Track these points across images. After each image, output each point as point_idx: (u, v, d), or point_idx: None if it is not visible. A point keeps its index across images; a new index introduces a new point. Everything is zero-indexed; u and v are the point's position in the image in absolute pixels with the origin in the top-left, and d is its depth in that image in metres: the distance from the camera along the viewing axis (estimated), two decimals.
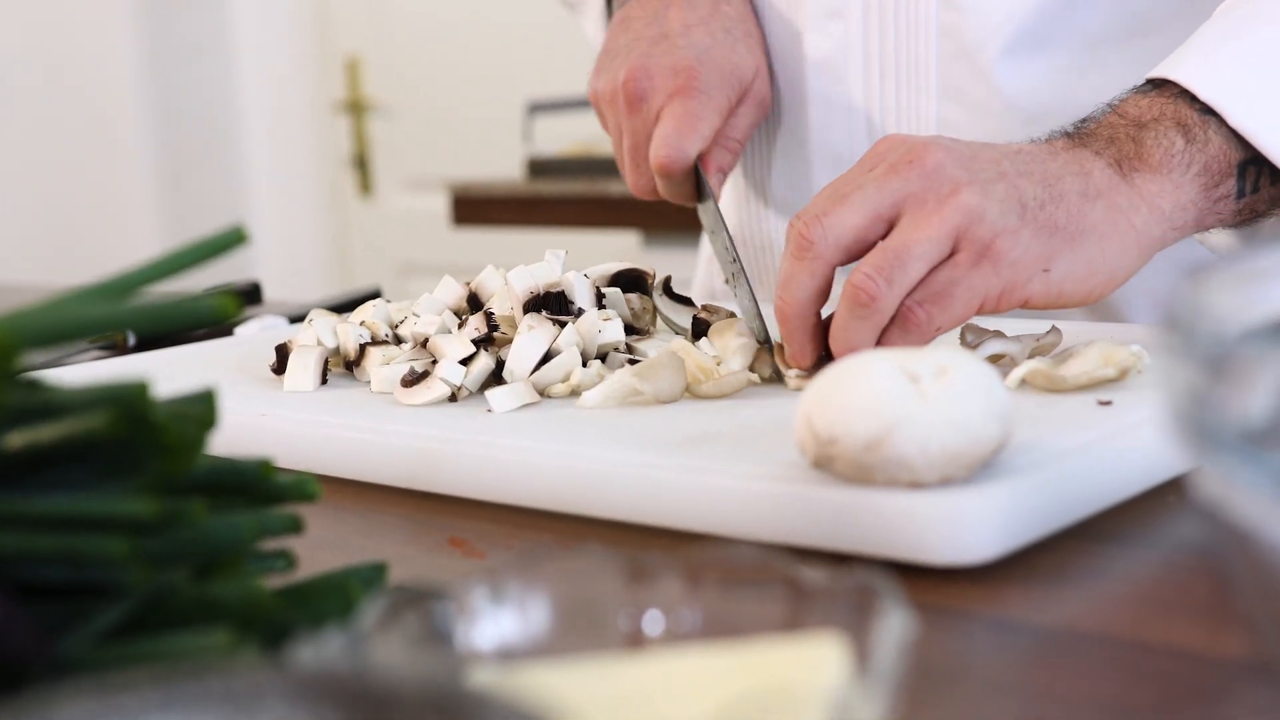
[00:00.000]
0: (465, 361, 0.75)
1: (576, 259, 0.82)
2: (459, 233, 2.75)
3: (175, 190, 3.43)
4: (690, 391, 0.73)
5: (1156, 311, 0.98)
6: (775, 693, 0.33)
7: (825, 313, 0.73)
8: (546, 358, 0.75)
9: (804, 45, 1.00)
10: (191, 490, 0.43)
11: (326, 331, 0.83)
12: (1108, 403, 0.66)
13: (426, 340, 0.78)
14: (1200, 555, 0.54)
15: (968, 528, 0.53)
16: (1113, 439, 0.60)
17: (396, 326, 0.83)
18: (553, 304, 0.78)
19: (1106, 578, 0.54)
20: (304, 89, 3.61)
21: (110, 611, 0.40)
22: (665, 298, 0.84)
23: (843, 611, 0.38)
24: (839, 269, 0.71)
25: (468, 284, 0.84)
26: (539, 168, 2.53)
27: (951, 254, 0.69)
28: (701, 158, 0.91)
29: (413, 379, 0.75)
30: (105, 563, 0.39)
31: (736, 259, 0.83)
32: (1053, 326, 0.77)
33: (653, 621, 0.41)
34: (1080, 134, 0.76)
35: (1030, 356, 0.74)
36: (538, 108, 2.68)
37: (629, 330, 0.81)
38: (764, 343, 0.76)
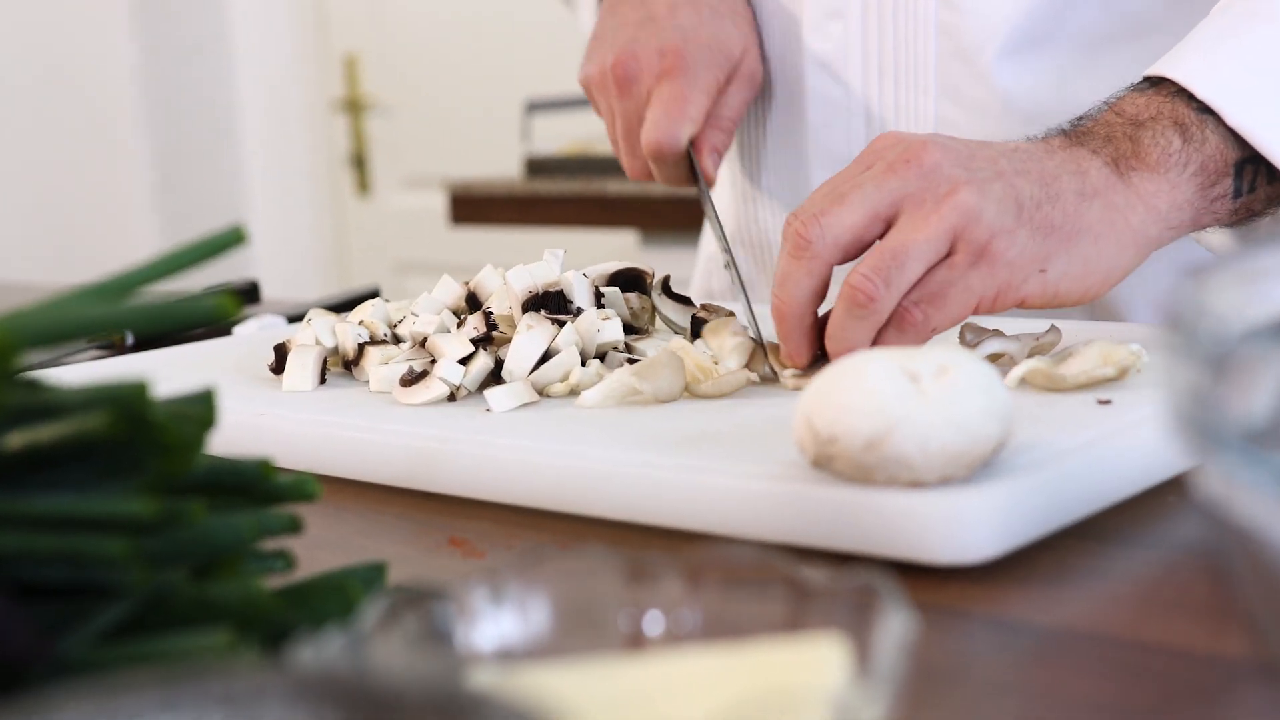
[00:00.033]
0: (464, 361, 0.75)
1: (574, 258, 0.82)
2: (457, 232, 2.75)
3: (173, 189, 3.43)
4: (689, 391, 0.73)
5: (1157, 311, 0.98)
6: (776, 694, 0.33)
7: (821, 311, 0.73)
8: (545, 357, 0.75)
9: (803, 45, 1.00)
10: (191, 490, 0.43)
11: (325, 331, 0.83)
12: (1107, 402, 0.66)
13: (425, 340, 0.78)
14: (1201, 555, 0.54)
15: (967, 527, 0.52)
16: (1112, 438, 0.60)
17: (395, 326, 0.83)
18: (551, 303, 0.78)
19: (1107, 577, 0.54)
20: (302, 88, 3.61)
21: (110, 612, 0.40)
22: (664, 297, 0.84)
23: (844, 612, 0.38)
24: (836, 267, 0.72)
25: (466, 283, 0.84)
26: (537, 167, 2.53)
27: (949, 254, 0.69)
28: (695, 140, 0.91)
29: (411, 378, 0.75)
30: (105, 563, 0.39)
31: (728, 249, 0.83)
32: (1052, 325, 0.77)
33: (653, 622, 0.41)
34: (1077, 132, 0.76)
35: (1029, 355, 0.74)
36: (536, 107, 2.68)
37: (628, 330, 0.81)
38: (756, 340, 0.76)
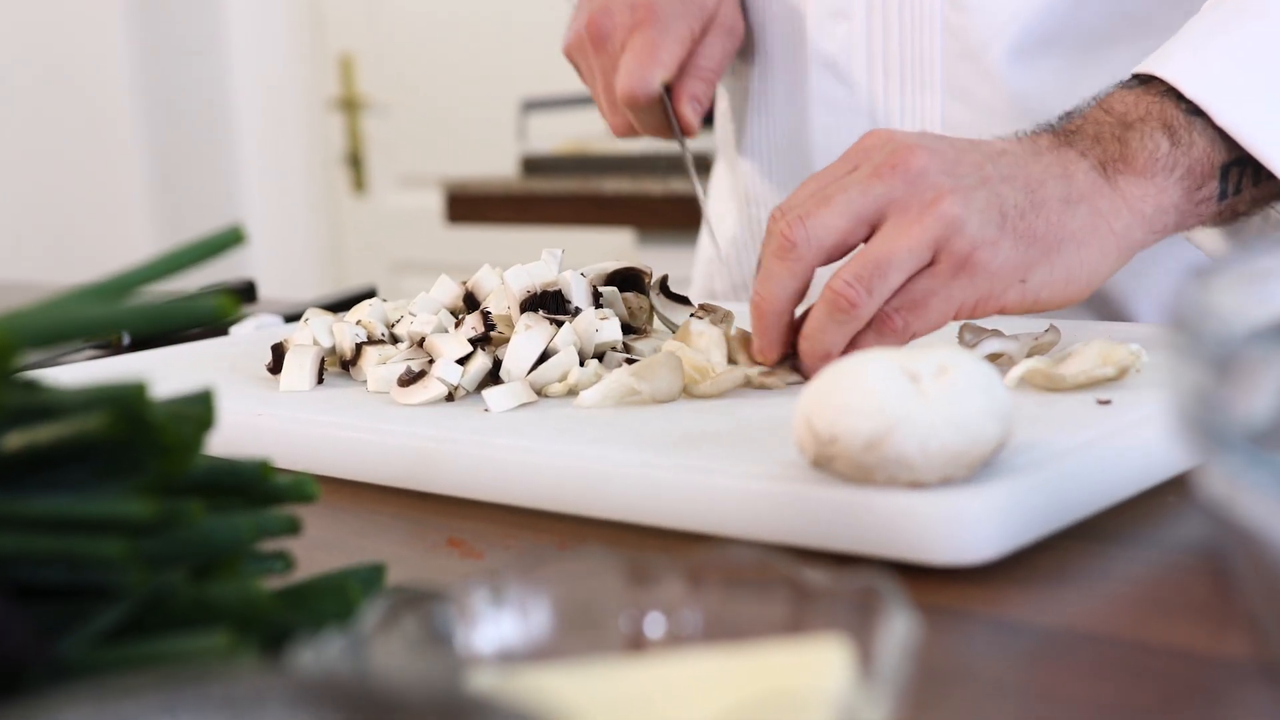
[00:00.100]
0: (462, 361, 0.75)
1: (571, 257, 0.82)
2: (453, 231, 2.75)
3: (169, 188, 3.43)
4: (687, 391, 0.73)
5: (1160, 311, 0.97)
6: (779, 696, 0.33)
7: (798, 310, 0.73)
8: (543, 357, 0.75)
9: (808, 45, 1.00)
10: (189, 491, 0.43)
11: (322, 331, 0.82)
12: (1107, 402, 0.65)
13: (423, 339, 0.78)
14: (1201, 555, 0.54)
15: (968, 527, 0.52)
16: (1112, 438, 0.60)
17: (393, 326, 0.83)
18: (550, 303, 0.78)
19: (1107, 578, 0.54)
20: (298, 87, 3.61)
21: (108, 613, 0.40)
22: (662, 297, 0.84)
23: (846, 613, 0.38)
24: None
25: (464, 283, 0.83)
26: (533, 166, 2.53)
27: (931, 262, 0.70)
28: (673, 89, 0.91)
29: (409, 378, 0.75)
30: (103, 564, 0.39)
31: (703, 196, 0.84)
32: (1051, 325, 0.77)
33: (654, 624, 0.41)
34: (1066, 130, 0.76)
35: (1028, 355, 0.74)
36: (532, 105, 2.68)
37: (626, 329, 0.81)
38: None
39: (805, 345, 0.71)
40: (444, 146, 3.40)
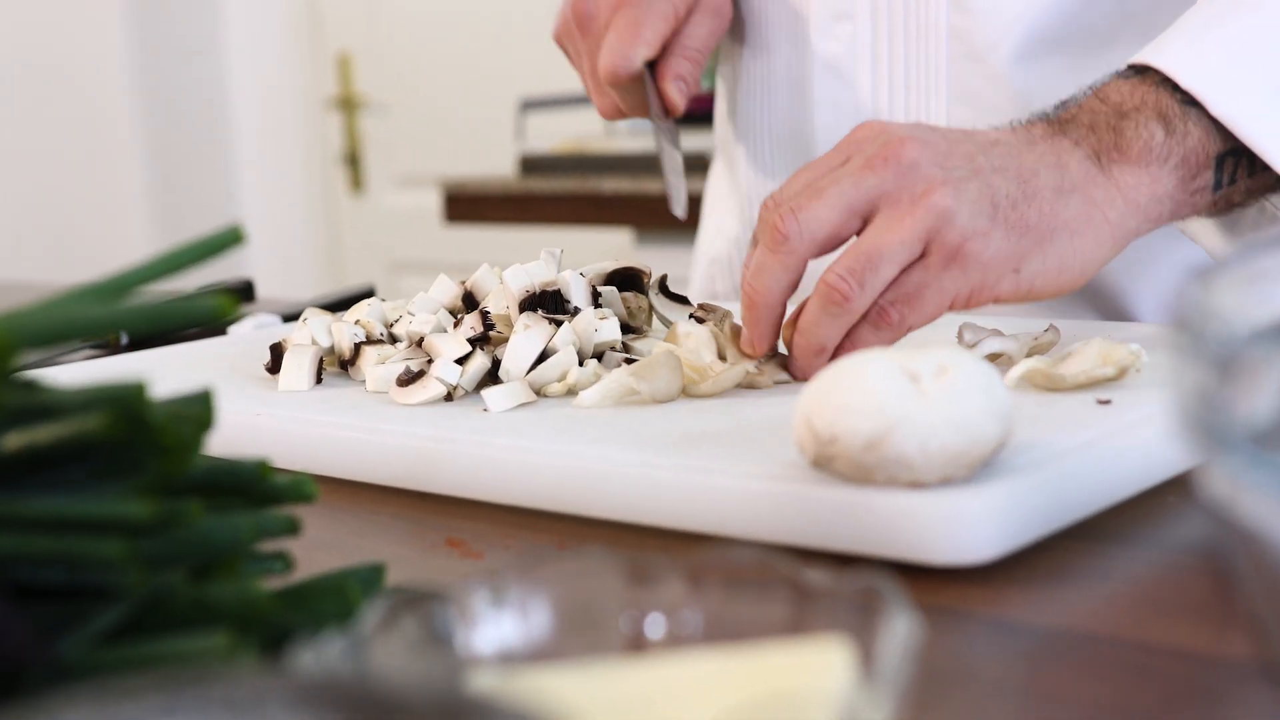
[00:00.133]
0: (461, 361, 0.75)
1: (569, 257, 0.82)
2: (451, 230, 2.75)
3: (167, 186, 3.43)
4: (687, 391, 0.72)
5: (1162, 311, 0.97)
6: (780, 697, 0.33)
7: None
8: (542, 357, 0.74)
9: (811, 48, 1.00)
10: (188, 491, 0.43)
11: (321, 330, 0.82)
12: (1107, 401, 0.65)
13: (422, 339, 0.78)
14: (1202, 555, 0.54)
15: (968, 527, 0.52)
16: (1112, 438, 0.60)
17: (391, 325, 0.83)
18: (549, 303, 0.78)
19: (1108, 578, 0.54)
20: (296, 86, 3.61)
21: (108, 614, 0.40)
22: (662, 296, 0.84)
23: (847, 614, 0.38)
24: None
25: (463, 283, 0.83)
26: (531, 165, 2.53)
27: (923, 254, 0.70)
28: (658, 68, 0.91)
29: (408, 378, 0.75)
30: (103, 564, 0.39)
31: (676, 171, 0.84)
32: (1050, 325, 0.77)
33: (655, 624, 0.41)
34: (1060, 119, 0.76)
35: (1028, 355, 0.74)
36: (530, 105, 2.68)
37: (625, 329, 0.81)
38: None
39: (799, 340, 0.72)
40: (442, 146, 3.40)
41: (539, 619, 0.40)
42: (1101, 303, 0.98)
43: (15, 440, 0.41)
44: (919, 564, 0.53)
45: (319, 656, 0.35)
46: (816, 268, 0.72)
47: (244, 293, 1.26)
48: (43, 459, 0.41)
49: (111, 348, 1.06)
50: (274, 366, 0.81)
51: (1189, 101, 0.74)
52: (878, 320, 0.70)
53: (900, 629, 0.35)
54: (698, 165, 2.15)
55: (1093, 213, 0.72)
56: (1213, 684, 0.44)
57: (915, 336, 0.73)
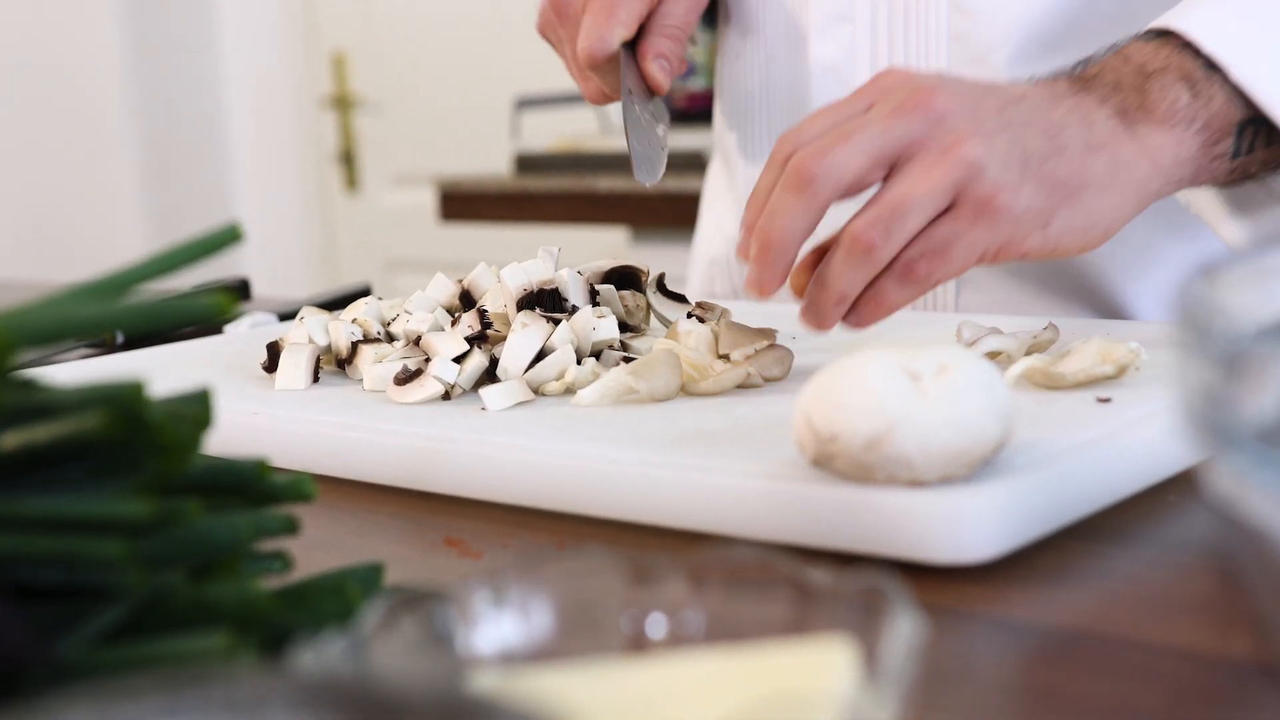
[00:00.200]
0: (459, 359, 0.75)
1: (565, 255, 0.82)
2: (446, 228, 2.75)
3: (161, 185, 3.42)
4: (686, 389, 0.72)
5: (1160, 309, 0.97)
6: (783, 697, 0.33)
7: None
8: (540, 355, 0.74)
9: (809, 50, 1.00)
10: (187, 490, 0.43)
11: (318, 329, 0.82)
12: (1107, 400, 0.65)
13: (419, 338, 0.78)
14: (1203, 554, 0.54)
15: (968, 526, 0.52)
16: (1113, 437, 0.60)
17: (389, 324, 0.82)
18: (546, 301, 0.78)
19: (1109, 577, 0.53)
20: (290, 84, 3.60)
21: (107, 613, 0.39)
22: (659, 295, 0.84)
23: (850, 614, 0.38)
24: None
25: (460, 281, 0.83)
26: (527, 164, 2.53)
27: (951, 206, 0.69)
28: (639, 47, 0.91)
29: (406, 377, 0.74)
30: (101, 564, 0.39)
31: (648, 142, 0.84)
32: (1049, 323, 0.77)
33: (656, 624, 0.40)
34: (1083, 77, 0.75)
35: (1027, 353, 0.74)
36: (525, 103, 2.67)
37: (623, 328, 0.80)
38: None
39: (818, 289, 0.70)
40: (437, 144, 3.39)
41: (540, 619, 0.40)
42: (1100, 302, 0.98)
43: (13, 439, 0.40)
44: (919, 563, 0.52)
45: (320, 656, 0.35)
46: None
47: (240, 291, 1.26)
48: (41, 458, 0.40)
49: (107, 347, 1.05)
50: (271, 365, 0.81)
51: (1211, 67, 0.74)
52: (905, 274, 0.68)
53: (904, 628, 0.35)
54: (696, 164, 2.15)
55: (1119, 171, 0.72)
56: (1216, 684, 0.44)
57: (915, 335, 0.73)
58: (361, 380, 0.78)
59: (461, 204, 2.52)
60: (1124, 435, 0.60)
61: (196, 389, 0.43)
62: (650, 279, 0.84)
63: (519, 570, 0.40)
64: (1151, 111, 0.73)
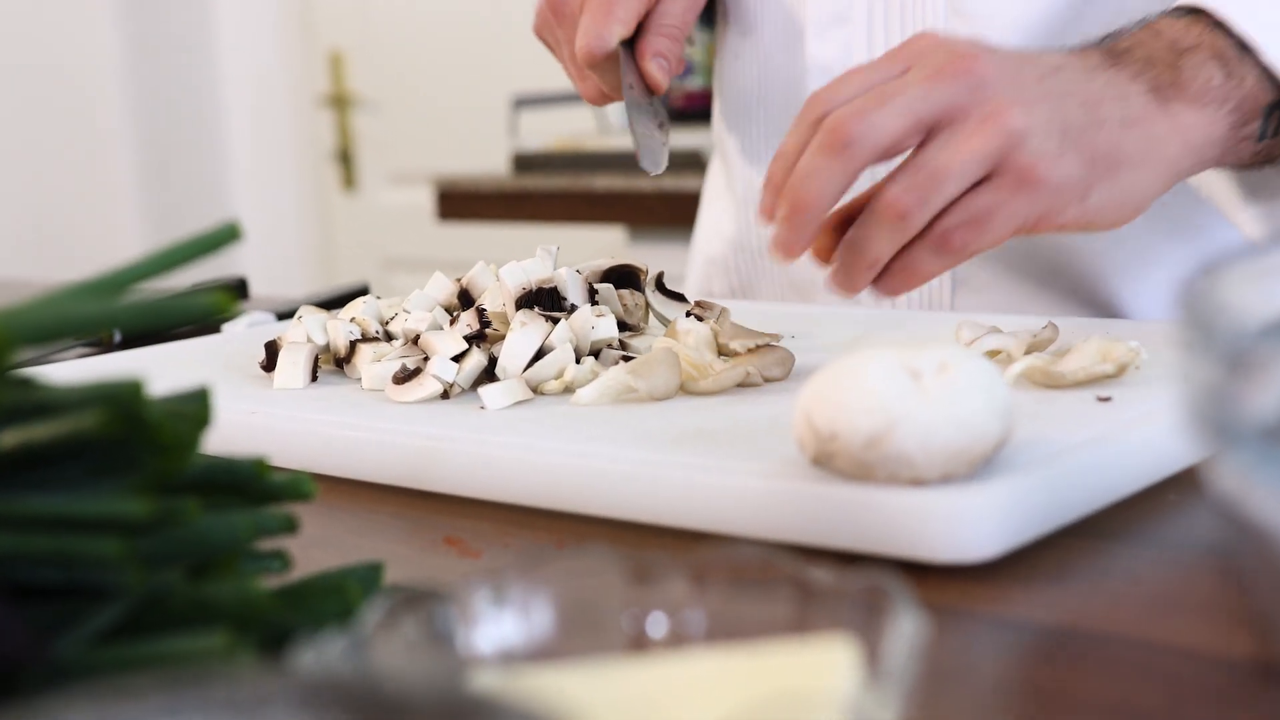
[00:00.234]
0: (457, 358, 0.74)
1: (563, 254, 0.82)
2: (443, 227, 2.74)
3: (158, 184, 3.42)
4: (685, 388, 0.72)
5: (1160, 309, 0.97)
6: (786, 696, 0.33)
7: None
8: (539, 354, 0.74)
9: (806, 51, 0.99)
10: (185, 489, 0.43)
11: (316, 328, 0.82)
12: (1107, 399, 0.65)
13: (418, 337, 0.78)
14: (1204, 553, 0.54)
15: (969, 525, 0.52)
16: (1113, 435, 0.60)
17: (387, 323, 0.82)
18: (545, 300, 0.77)
19: (1110, 576, 0.53)
20: (287, 83, 3.60)
21: (105, 613, 0.39)
22: (658, 294, 0.84)
23: (852, 613, 0.38)
24: None
25: (459, 280, 0.83)
26: (524, 163, 2.53)
27: (989, 176, 0.68)
28: (637, 46, 0.91)
29: (404, 376, 0.74)
30: (100, 563, 0.39)
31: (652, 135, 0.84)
32: (1049, 322, 0.77)
33: (657, 623, 0.40)
34: (1114, 50, 0.74)
35: (1026, 352, 0.74)
36: (523, 102, 2.67)
37: (622, 327, 0.80)
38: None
39: (849, 253, 0.69)
40: (435, 143, 3.39)
41: (540, 618, 0.40)
42: (1098, 302, 0.98)
43: (11, 438, 0.40)
44: (920, 562, 0.52)
45: (320, 656, 0.35)
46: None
47: (238, 290, 1.26)
48: (39, 457, 0.40)
49: (105, 346, 1.05)
50: (269, 364, 0.81)
51: (1243, 47, 0.74)
52: (941, 244, 0.67)
53: (906, 627, 0.35)
54: (694, 163, 2.15)
55: (1152, 148, 0.71)
56: (1217, 683, 0.43)
57: (915, 334, 0.73)
58: (360, 379, 0.78)
59: (459, 203, 2.52)
60: (1124, 434, 0.60)
61: (195, 388, 0.43)
62: (649, 278, 0.84)
63: (519, 569, 0.40)
64: (1185, 89, 0.73)
